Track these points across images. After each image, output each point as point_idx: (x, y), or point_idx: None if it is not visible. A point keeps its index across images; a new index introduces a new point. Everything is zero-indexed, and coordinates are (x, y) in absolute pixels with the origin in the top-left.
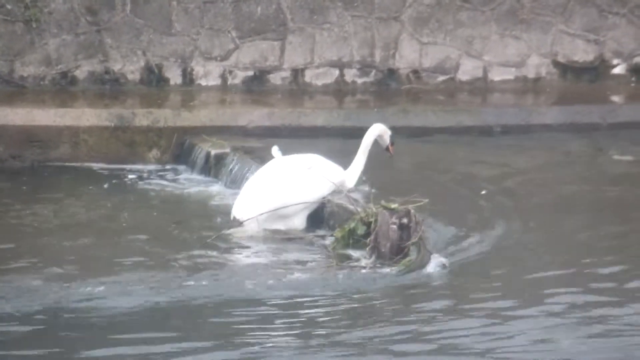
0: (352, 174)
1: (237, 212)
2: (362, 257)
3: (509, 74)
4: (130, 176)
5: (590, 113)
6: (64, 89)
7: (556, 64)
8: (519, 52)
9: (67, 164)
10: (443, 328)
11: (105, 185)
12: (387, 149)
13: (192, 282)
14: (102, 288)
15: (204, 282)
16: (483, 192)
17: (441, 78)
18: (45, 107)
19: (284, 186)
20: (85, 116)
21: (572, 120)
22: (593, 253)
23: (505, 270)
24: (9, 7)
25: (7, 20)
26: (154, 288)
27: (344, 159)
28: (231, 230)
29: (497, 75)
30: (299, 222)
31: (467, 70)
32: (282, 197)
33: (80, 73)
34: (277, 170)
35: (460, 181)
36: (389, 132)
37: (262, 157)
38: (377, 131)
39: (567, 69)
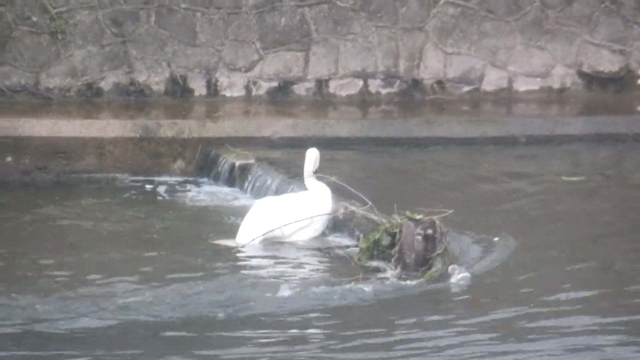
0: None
1: (240, 238)
2: (387, 268)
3: (534, 85)
4: (155, 187)
5: (616, 124)
6: (89, 101)
7: (581, 74)
8: (543, 63)
9: (92, 175)
10: (466, 340)
11: (130, 196)
12: (315, 172)
13: (215, 294)
14: (127, 300)
15: (226, 294)
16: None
17: (466, 88)
18: (71, 119)
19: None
20: (110, 127)
21: (598, 130)
22: (616, 268)
23: (528, 283)
24: (34, 19)
25: (32, 32)
26: (177, 300)
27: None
28: (256, 241)
29: (522, 85)
30: (311, 232)
31: (492, 80)
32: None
33: (106, 84)
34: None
35: (485, 192)
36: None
37: (287, 168)
38: (315, 155)
39: (592, 80)
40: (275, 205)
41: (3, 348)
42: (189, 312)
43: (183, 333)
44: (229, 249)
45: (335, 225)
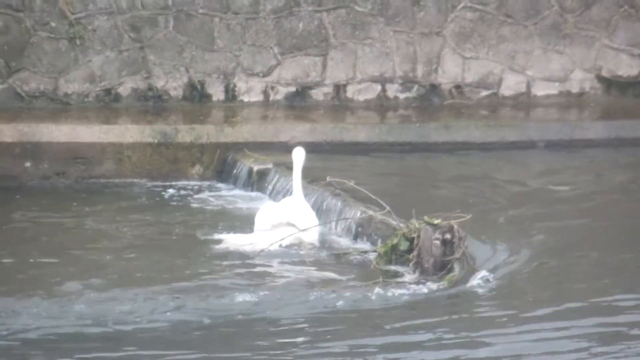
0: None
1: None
2: (405, 273)
3: (553, 89)
4: (173, 192)
5: (635, 128)
6: (107, 106)
7: (600, 78)
8: (562, 67)
9: (110, 180)
10: (485, 344)
11: (149, 201)
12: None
13: (234, 298)
14: (145, 304)
15: (245, 299)
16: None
17: (484, 93)
18: (89, 124)
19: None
20: (128, 133)
21: (616, 135)
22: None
23: (548, 286)
24: (53, 24)
25: (51, 37)
26: (194, 304)
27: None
28: (277, 242)
29: (541, 90)
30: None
31: (510, 85)
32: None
33: (124, 90)
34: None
35: (503, 196)
36: None
37: (304, 173)
38: (303, 154)
39: (611, 84)
40: (288, 201)
41: (24, 352)
42: (209, 316)
43: (203, 336)
44: (247, 253)
45: (354, 230)
